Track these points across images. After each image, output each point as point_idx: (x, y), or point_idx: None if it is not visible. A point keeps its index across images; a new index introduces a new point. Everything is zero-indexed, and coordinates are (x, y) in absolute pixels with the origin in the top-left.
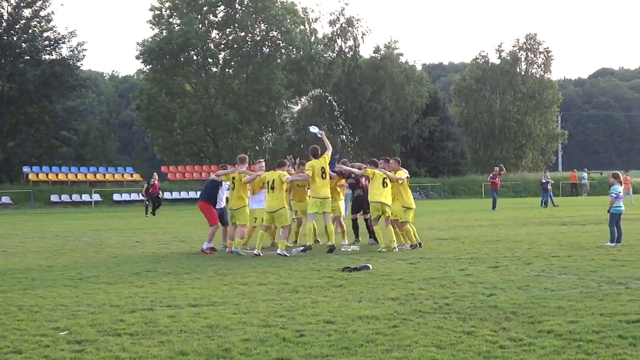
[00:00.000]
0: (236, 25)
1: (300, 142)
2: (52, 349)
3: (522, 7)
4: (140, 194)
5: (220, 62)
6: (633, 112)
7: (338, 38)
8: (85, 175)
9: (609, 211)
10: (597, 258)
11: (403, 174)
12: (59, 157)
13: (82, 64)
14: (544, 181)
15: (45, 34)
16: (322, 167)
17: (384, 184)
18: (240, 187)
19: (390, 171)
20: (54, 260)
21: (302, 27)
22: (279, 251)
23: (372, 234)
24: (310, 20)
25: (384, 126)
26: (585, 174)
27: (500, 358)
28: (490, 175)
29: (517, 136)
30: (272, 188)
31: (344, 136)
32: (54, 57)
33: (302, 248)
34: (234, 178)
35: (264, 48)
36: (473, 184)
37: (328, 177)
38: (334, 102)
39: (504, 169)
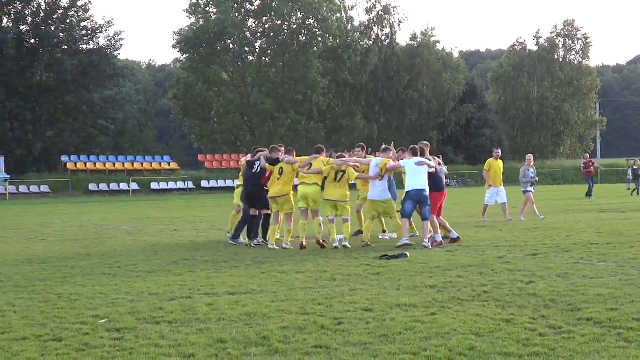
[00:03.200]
0: (272, 13)
1: (337, 130)
2: (92, 336)
3: None
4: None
5: (257, 50)
6: None
7: (375, 26)
8: (123, 164)
9: None
10: (637, 245)
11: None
12: (97, 146)
13: (119, 54)
14: (635, 167)
15: (82, 24)
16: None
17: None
18: None
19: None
20: (92, 249)
21: (338, 15)
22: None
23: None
24: (347, 8)
25: (421, 114)
26: None
27: (540, 346)
28: (583, 164)
29: (555, 123)
30: None
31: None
32: (91, 46)
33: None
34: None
35: (300, 36)
36: (511, 171)
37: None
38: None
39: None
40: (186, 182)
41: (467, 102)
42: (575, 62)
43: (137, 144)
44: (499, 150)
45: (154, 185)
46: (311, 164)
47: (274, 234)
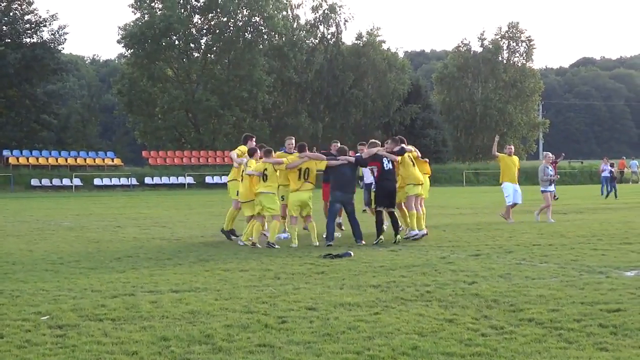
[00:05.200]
0: (218, 10)
1: (281, 128)
2: (34, 333)
3: None
4: None
5: (202, 47)
6: (614, 101)
7: (320, 24)
8: (66, 160)
9: None
10: (578, 247)
11: None
12: (40, 141)
13: (63, 48)
14: (603, 168)
15: (26, 17)
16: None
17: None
18: None
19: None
20: (34, 245)
21: (284, 13)
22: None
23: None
24: (293, 6)
25: (366, 113)
26: (635, 163)
27: (482, 346)
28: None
29: (498, 124)
30: None
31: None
32: (35, 40)
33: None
34: None
35: (246, 34)
36: (454, 171)
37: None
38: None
39: (562, 157)
40: (129, 179)
41: (412, 102)
42: (519, 64)
43: (80, 139)
44: (512, 147)
45: (97, 181)
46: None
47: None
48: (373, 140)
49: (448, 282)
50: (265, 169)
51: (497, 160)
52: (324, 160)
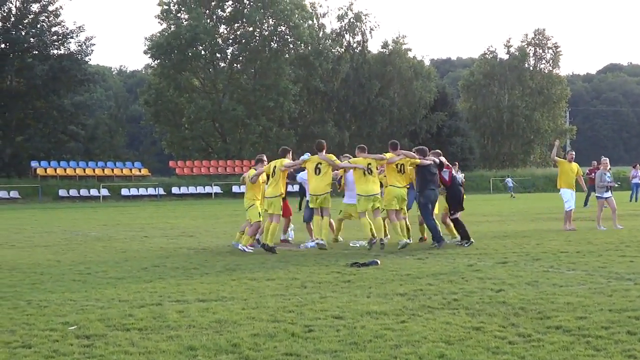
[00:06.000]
0: (244, 20)
1: (308, 137)
2: (61, 343)
3: (530, 2)
4: None
5: (228, 57)
6: None
7: (346, 33)
8: (94, 170)
9: None
10: (606, 254)
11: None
12: (67, 151)
13: (90, 59)
14: (633, 174)
15: (53, 29)
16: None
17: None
18: None
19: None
20: (62, 255)
21: (310, 22)
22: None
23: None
24: (319, 15)
25: (392, 121)
26: None
27: (509, 354)
28: (587, 170)
29: (525, 132)
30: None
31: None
32: (62, 51)
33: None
34: None
35: (272, 43)
36: (481, 179)
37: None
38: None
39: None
40: (157, 189)
41: (438, 110)
42: (546, 71)
43: (107, 149)
44: (573, 153)
45: (124, 192)
46: None
47: None
48: (437, 151)
49: (475, 290)
50: (369, 164)
51: (557, 164)
52: (415, 158)
